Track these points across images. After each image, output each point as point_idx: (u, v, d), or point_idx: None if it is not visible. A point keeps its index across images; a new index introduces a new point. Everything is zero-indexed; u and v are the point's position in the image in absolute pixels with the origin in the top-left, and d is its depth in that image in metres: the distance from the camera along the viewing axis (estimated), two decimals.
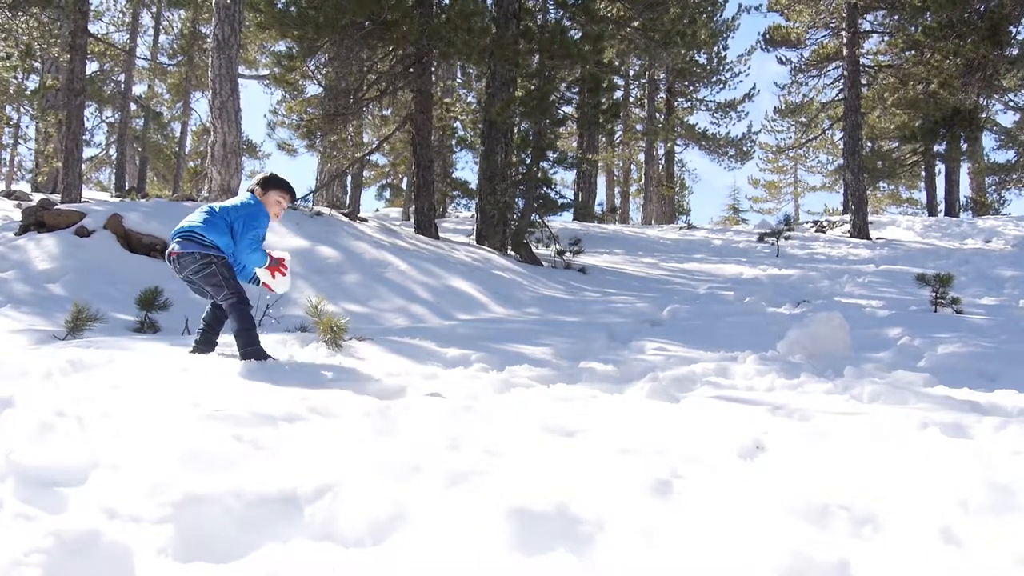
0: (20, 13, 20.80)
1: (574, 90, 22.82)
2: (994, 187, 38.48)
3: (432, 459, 3.25)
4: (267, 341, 7.29)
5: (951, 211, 35.96)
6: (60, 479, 2.92)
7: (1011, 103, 34.33)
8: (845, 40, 29.09)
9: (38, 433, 3.38)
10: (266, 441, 3.45)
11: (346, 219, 18.22)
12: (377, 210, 40.89)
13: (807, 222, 34.71)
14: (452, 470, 3.11)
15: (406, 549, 2.44)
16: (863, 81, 30.58)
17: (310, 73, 23.49)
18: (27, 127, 41.31)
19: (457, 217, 33.56)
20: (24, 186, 36.20)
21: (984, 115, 33.80)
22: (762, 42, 34.43)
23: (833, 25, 31.87)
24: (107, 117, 41.26)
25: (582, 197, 33.88)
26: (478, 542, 2.48)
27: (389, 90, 22.75)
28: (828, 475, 3.36)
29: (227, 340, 7.28)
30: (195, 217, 6.16)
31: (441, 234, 21.40)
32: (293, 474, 2.95)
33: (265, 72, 33.94)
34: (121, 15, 38.38)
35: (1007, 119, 41.05)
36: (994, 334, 9.70)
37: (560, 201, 22.94)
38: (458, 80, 34.67)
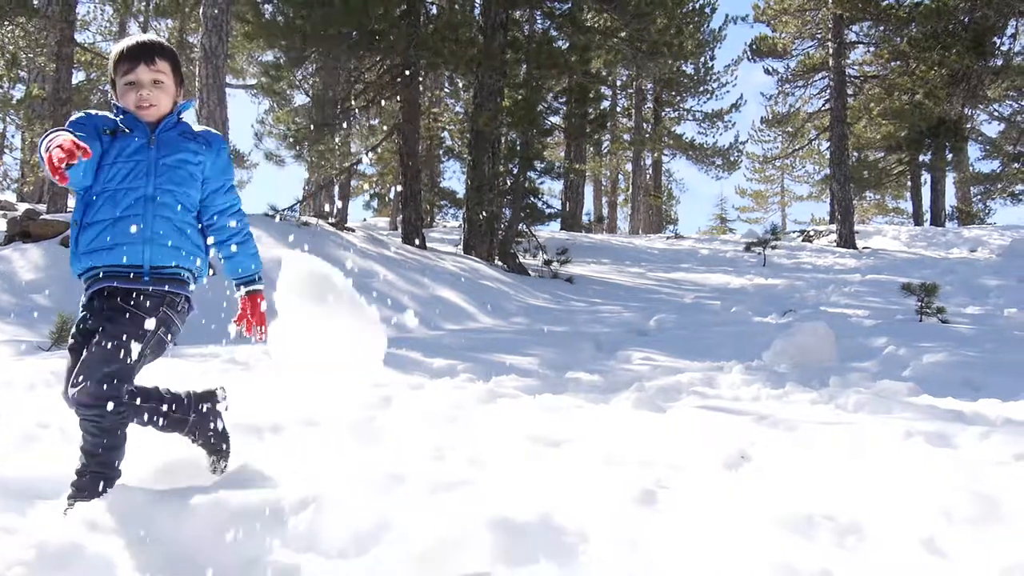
0: (6, 22, 20.73)
1: (561, 100, 22.89)
2: (979, 197, 38.63)
3: (416, 469, 3.24)
4: (254, 352, 7.28)
5: (937, 221, 36.11)
6: (43, 491, 2.91)
7: (995, 113, 34.47)
8: (831, 51, 29.21)
9: (21, 444, 3.37)
10: (251, 451, 3.44)
11: (333, 229, 18.21)
12: (364, 220, 40.81)
13: (794, 232, 34.84)
14: (436, 480, 3.11)
15: (389, 560, 2.43)
16: (849, 91, 30.72)
17: (298, 83, 23.51)
18: (13, 136, 41.06)
19: (444, 227, 33.54)
20: (10, 196, 36.06)
21: (969, 125, 34.01)
22: (749, 53, 34.55)
23: (819, 36, 32.00)
24: None
25: (569, 207, 33.89)
26: (462, 553, 2.47)
27: (376, 100, 22.76)
28: (813, 485, 3.36)
29: (213, 351, 7.27)
30: None
31: (428, 244, 21.40)
32: (277, 484, 2.94)
33: (253, 82, 33.90)
34: (108, 24, 38.29)
35: (992, 129, 41.41)
36: (979, 343, 9.75)
37: (547, 211, 23.02)
38: (445, 90, 34.66)
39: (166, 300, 3.01)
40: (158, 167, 3.04)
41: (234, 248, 3.23)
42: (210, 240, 3.21)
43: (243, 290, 3.29)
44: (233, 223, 3.23)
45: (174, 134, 3.12)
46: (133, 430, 2.92)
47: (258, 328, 3.31)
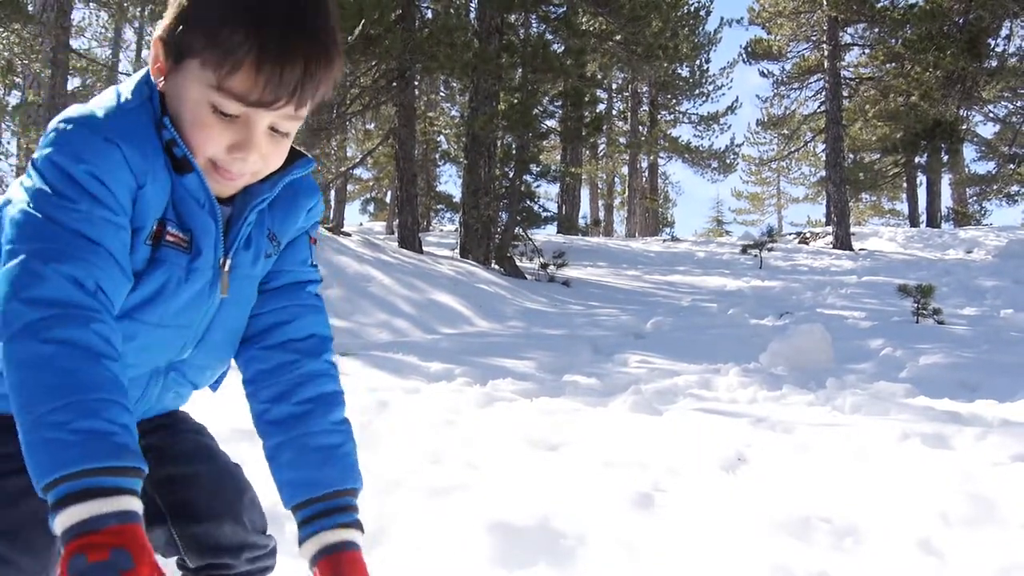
0: (1, 28, 20.72)
1: (557, 103, 22.89)
2: (975, 198, 38.67)
3: (414, 473, 3.24)
4: None
5: (933, 222, 36.13)
6: None
7: (991, 114, 34.50)
8: (826, 53, 29.27)
9: None
10: (246, 457, 3.43)
11: (329, 233, 18.18)
12: (361, 224, 40.81)
13: (790, 234, 34.83)
14: (434, 484, 3.10)
15: (387, 565, 2.43)
16: (844, 93, 30.76)
17: None
18: (8, 143, 41.00)
19: (441, 231, 33.53)
20: None
21: (964, 127, 34.01)
22: (744, 55, 34.54)
23: (814, 38, 32.02)
24: None
25: (566, 210, 33.91)
26: (460, 557, 2.47)
27: (372, 104, 22.76)
28: (810, 487, 3.36)
29: None
30: None
31: (425, 248, 21.38)
32: (273, 490, 2.93)
33: None
34: (103, 30, 38.21)
35: (987, 130, 41.33)
36: (975, 344, 9.76)
37: (544, 214, 23.00)
38: (441, 94, 34.71)
39: None
40: (218, 306, 1.55)
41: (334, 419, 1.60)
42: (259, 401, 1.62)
43: (333, 539, 1.46)
44: (327, 357, 1.64)
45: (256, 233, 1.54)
46: None
47: None
